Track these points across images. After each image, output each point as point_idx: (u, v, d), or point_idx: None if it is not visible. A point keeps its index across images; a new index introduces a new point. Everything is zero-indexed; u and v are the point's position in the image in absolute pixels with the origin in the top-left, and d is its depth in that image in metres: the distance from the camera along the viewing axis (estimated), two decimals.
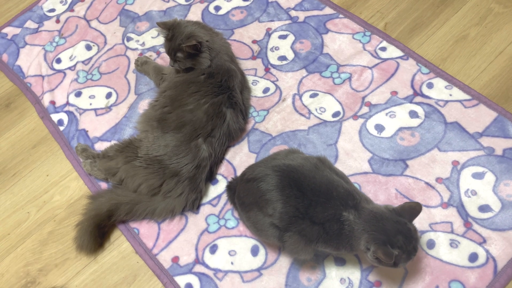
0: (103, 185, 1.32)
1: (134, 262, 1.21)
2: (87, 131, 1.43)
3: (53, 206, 1.32)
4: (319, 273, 1.13)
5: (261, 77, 1.47)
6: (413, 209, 0.98)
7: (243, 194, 1.10)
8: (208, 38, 1.32)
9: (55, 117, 1.48)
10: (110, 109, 1.47)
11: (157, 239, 1.22)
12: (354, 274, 1.12)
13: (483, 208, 1.17)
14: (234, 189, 1.16)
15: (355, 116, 1.35)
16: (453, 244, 1.13)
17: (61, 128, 1.45)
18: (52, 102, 1.50)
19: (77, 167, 1.37)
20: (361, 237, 0.96)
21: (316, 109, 1.38)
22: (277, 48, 1.52)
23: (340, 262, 1.14)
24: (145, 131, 1.28)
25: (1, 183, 1.38)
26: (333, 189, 1.02)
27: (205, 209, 1.25)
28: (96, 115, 1.46)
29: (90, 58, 1.59)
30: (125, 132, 1.41)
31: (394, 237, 0.94)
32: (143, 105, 1.46)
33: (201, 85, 1.28)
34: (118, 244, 1.24)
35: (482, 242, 1.12)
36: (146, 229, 1.24)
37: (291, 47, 1.51)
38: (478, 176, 1.21)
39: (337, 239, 1.00)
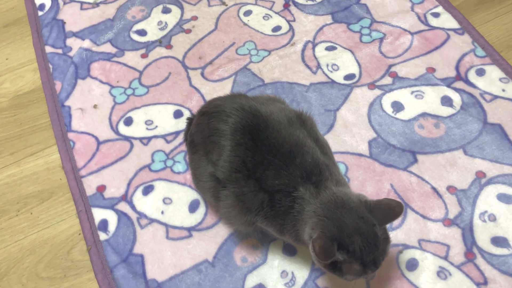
0: (58, 84, 1.13)
1: (56, 178, 1.02)
2: (65, 22, 1.24)
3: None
4: (259, 256, 0.88)
5: (276, 13, 1.20)
6: (391, 209, 0.70)
7: (193, 130, 0.87)
8: None
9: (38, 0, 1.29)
10: (97, 6, 1.26)
11: (91, 160, 1.02)
12: (301, 270, 0.86)
13: (498, 241, 0.86)
14: None
15: (371, 85, 1.07)
16: (442, 273, 0.84)
17: (40, 13, 1.27)
18: None
19: (39, 58, 1.18)
20: (308, 221, 0.70)
21: (327, 65, 1.11)
22: None
23: (289, 251, 0.88)
24: None
25: None
26: (298, 155, 0.76)
27: (156, 143, 1.03)
28: (81, 8, 1.26)
29: None
30: (104, 36, 1.21)
31: (350, 236, 0.67)
32: (134, 11, 1.24)
33: None
34: (48, 153, 1.05)
35: (482, 283, 0.83)
36: (82, 145, 1.04)
37: None
38: (505, 199, 0.90)
39: (282, 218, 0.75)
